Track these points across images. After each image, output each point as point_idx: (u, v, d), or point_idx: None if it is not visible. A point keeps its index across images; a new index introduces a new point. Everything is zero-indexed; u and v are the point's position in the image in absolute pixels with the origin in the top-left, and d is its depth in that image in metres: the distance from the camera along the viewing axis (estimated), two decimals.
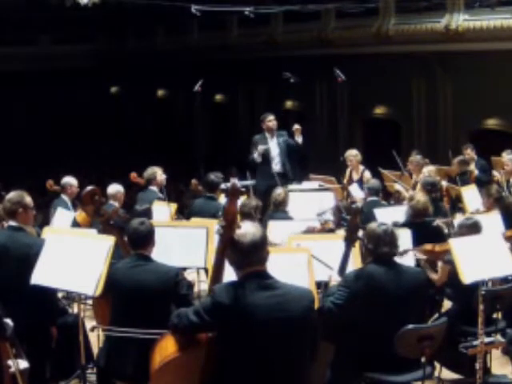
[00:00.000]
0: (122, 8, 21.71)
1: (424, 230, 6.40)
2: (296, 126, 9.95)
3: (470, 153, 10.90)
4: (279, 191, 7.68)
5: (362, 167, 10.10)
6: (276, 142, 9.89)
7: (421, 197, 6.81)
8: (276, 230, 6.49)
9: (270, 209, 7.62)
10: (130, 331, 4.55)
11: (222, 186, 8.05)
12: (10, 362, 4.48)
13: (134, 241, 4.91)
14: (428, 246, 5.73)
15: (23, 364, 4.59)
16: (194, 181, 10.19)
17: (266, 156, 9.81)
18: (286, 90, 13.50)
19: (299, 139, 9.91)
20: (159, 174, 8.62)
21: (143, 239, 4.88)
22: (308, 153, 17.09)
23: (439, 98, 15.36)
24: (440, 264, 5.79)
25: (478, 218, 6.01)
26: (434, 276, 5.77)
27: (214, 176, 8.26)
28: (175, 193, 13.33)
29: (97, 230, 6.31)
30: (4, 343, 4.51)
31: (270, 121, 9.89)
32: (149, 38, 23.77)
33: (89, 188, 7.85)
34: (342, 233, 6.58)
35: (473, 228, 5.62)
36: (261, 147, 9.71)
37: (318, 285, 5.21)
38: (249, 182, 9.77)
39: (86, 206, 7.62)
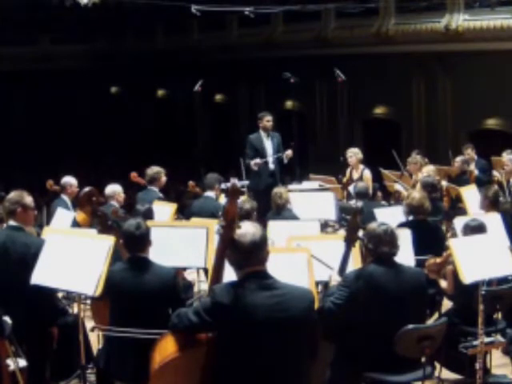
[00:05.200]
0: (121, 8, 21.71)
1: (423, 228, 6.40)
2: (289, 153, 10.03)
3: (470, 153, 10.91)
4: (279, 193, 7.67)
5: (362, 166, 10.11)
6: (271, 142, 9.97)
7: (416, 193, 6.81)
8: (277, 230, 6.46)
9: (273, 211, 7.65)
10: (129, 331, 4.55)
11: (222, 186, 8.13)
12: (9, 361, 4.49)
13: (131, 245, 4.84)
14: (431, 260, 5.75)
15: (22, 363, 4.60)
16: (191, 182, 10.22)
17: (262, 155, 9.92)
18: (285, 90, 13.48)
19: (285, 160, 10.07)
20: (163, 174, 8.62)
21: (140, 243, 4.82)
22: (308, 153, 17.20)
23: (439, 98, 15.36)
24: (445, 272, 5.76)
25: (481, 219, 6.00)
26: (443, 284, 5.74)
27: (212, 176, 8.27)
28: (175, 193, 13.32)
29: (97, 230, 6.31)
30: (2, 342, 4.52)
31: (269, 121, 10.02)
32: (148, 37, 23.76)
33: (86, 189, 7.87)
34: (342, 233, 6.59)
35: (477, 230, 5.61)
36: (258, 161, 9.81)
37: (318, 285, 5.22)
38: (245, 182, 9.86)
39: (84, 207, 7.65)
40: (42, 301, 5.09)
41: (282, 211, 7.54)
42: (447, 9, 14.44)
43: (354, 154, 10.13)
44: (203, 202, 8.14)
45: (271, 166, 10.04)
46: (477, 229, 5.63)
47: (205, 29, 21.08)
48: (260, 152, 9.90)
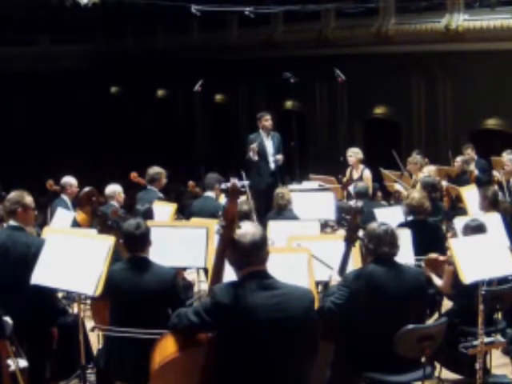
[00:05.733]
0: (122, 8, 21.71)
1: (423, 228, 6.40)
2: (279, 157, 10.06)
3: (470, 153, 10.92)
4: (281, 193, 7.69)
5: (362, 166, 10.11)
6: (271, 142, 10.01)
7: (416, 193, 6.81)
8: (278, 230, 6.46)
9: (274, 210, 7.66)
10: (129, 331, 4.55)
11: (222, 186, 8.12)
12: (9, 361, 4.49)
13: (131, 245, 4.84)
14: (433, 255, 5.75)
15: (22, 363, 4.60)
16: (191, 182, 10.24)
17: (263, 154, 9.93)
18: (286, 90, 13.48)
19: (278, 162, 10.12)
20: (164, 176, 8.62)
21: (140, 243, 4.82)
22: (308, 153, 17.19)
23: (439, 98, 15.36)
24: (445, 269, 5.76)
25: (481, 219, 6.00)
26: (438, 282, 5.74)
27: (212, 176, 8.27)
28: (175, 193, 13.33)
29: (97, 230, 6.31)
30: (3, 342, 4.51)
31: (267, 120, 10.07)
32: (149, 37, 23.76)
33: (86, 189, 7.88)
34: (342, 233, 6.58)
35: (477, 230, 5.61)
36: (253, 145, 9.80)
37: (318, 285, 5.21)
38: (245, 182, 9.86)
39: (84, 207, 7.66)
40: (42, 301, 5.09)
41: (283, 211, 7.56)
42: (447, 9, 14.44)
43: (354, 153, 10.13)
44: (203, 202, 8.15)
45: (271, 165, 10.08)
46: (477, 229, 5.63)
47: (205, 29, 21.09)
48: (260, 152, 9.94)
